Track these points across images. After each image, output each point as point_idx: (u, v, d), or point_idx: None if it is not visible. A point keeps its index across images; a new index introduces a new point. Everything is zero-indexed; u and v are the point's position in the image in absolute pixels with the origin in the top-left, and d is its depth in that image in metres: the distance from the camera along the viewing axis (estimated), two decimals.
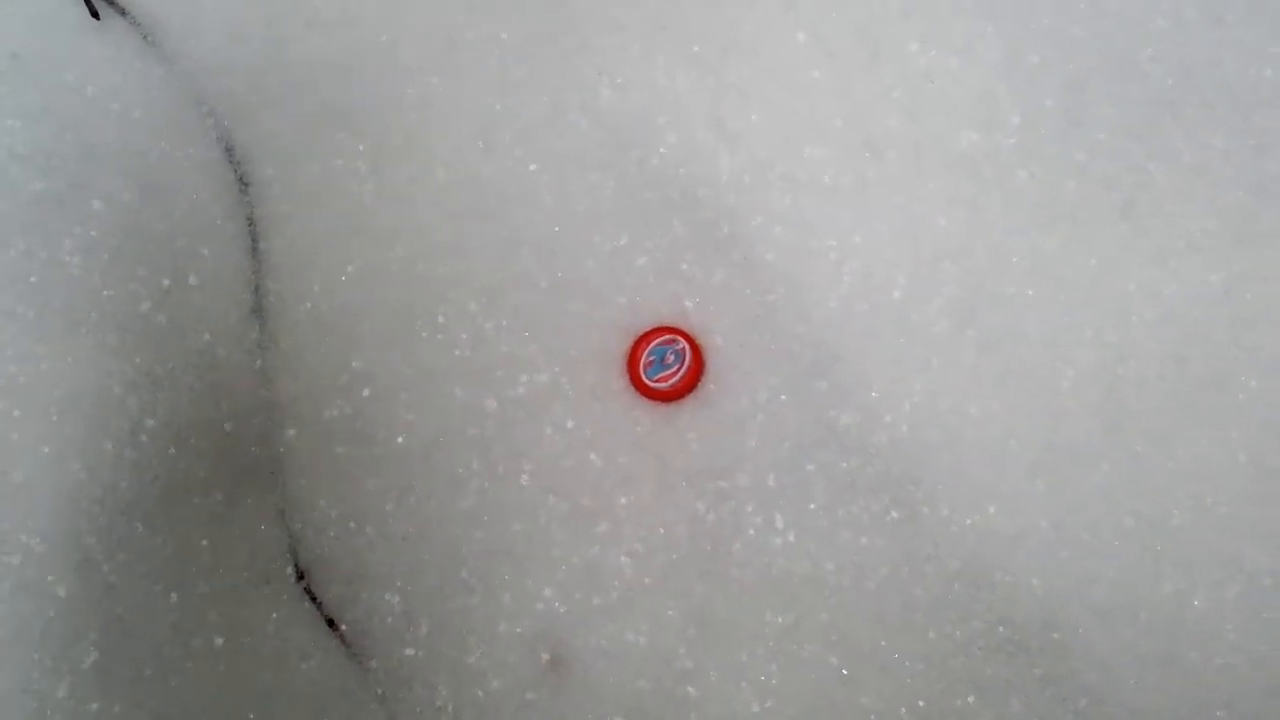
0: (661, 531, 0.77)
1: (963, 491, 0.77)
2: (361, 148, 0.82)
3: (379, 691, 0.75)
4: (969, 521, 0.77)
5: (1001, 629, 0.75)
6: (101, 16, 0.82)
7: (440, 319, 0.81)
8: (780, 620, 0.75)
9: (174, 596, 0.76)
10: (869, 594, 0.76)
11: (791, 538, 0.77)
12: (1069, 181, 0.81)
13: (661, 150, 0.83)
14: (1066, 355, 0.79)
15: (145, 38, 0.83)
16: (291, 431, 0.79)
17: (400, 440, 0.79)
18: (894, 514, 0.77)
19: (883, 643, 0.75)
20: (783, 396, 0.79)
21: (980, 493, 0.77)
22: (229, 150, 0.83)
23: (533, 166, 0.83)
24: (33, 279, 0.79)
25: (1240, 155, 0.81)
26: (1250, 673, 0.75)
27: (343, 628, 0.76)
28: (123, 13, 0.83)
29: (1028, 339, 0.79)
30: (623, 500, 0.78)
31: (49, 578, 0.76)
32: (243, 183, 0.82)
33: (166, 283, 0.81)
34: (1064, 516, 0.77)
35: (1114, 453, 0.77)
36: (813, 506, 0.77)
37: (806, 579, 0.76)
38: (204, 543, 0.77)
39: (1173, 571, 0.76)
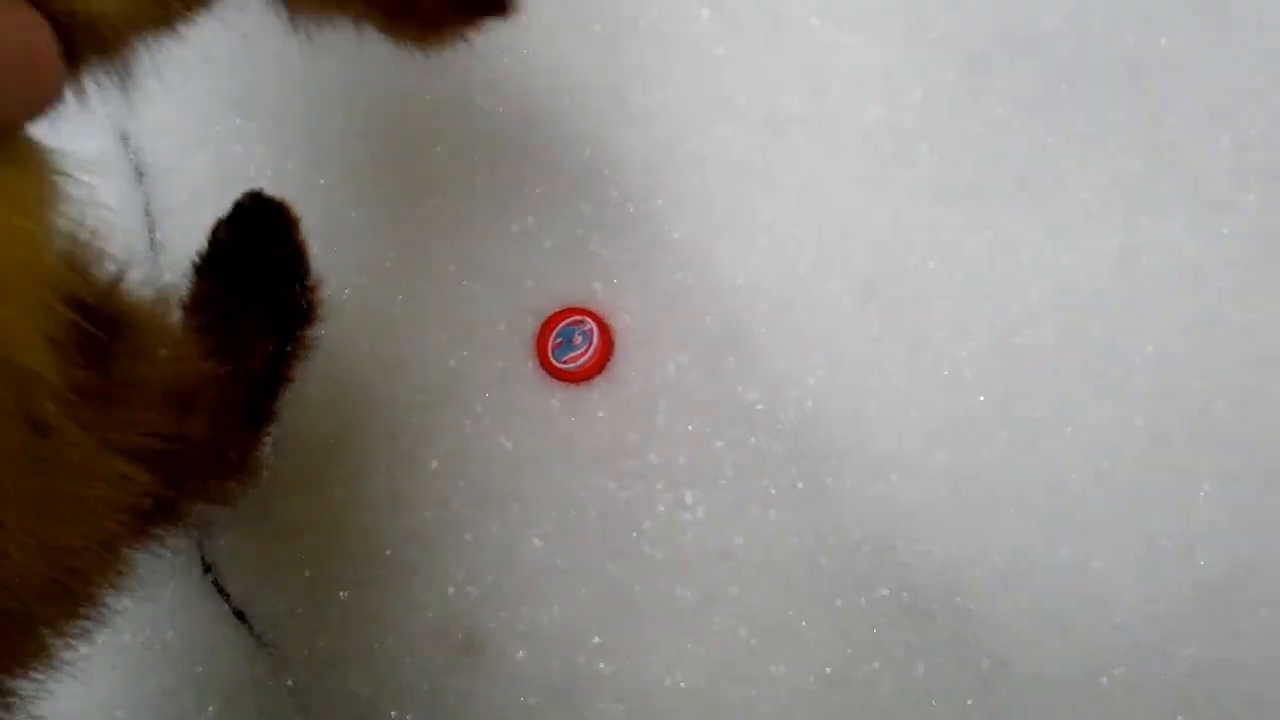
0: (573, 513, 0.78)
1: (866, 463, 0.79)
2: (258, 132, 0.80)
3: (291, 682, 0.75)
4: (872, 492, 0.78)
5: (905, 596, 0.77)
6: None
7: (346, 306, 0.80)
8: (691, 595, 0.77)
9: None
10: (777, 566, 0.77)
11: (701, 514, 0.78)
12: (968, 155, 0.82)
13: (566, 130, 0.82)
14: (966, 327, 0.80)
15: None
16: None
17: (306, 430, 0.78)
18: (800, 486, 0.78)
19: (790, 613, 0.76)
20: (692, 374, 0.80)
21: (883, 464, 0.79)
22: (124, 139, 0.81)
23: (437, 149, 0.82)
24: None
25: (1136, 125, 0.83)
26: (1146, 633, 0.78)
27: (252, 620, 0.76)
28: None
29: (929, 312, 0.80)
30: (534, 483, 0.78)
31: None
32: (139, 172, 0.81)
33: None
34: (964, 485, 0.79)
35: (1012, 421, 0.79)
36: (722, 482, 0.78)
37: (716, 554, 0.77)
38: None
39: (1071, 536, 0.78)
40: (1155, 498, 0.79)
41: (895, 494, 0.78)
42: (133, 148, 0.81)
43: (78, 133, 0.80)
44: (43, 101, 0.35)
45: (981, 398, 0.80)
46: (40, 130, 0.37)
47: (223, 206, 0.81)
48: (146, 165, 0.81)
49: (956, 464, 0.79)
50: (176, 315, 0.61)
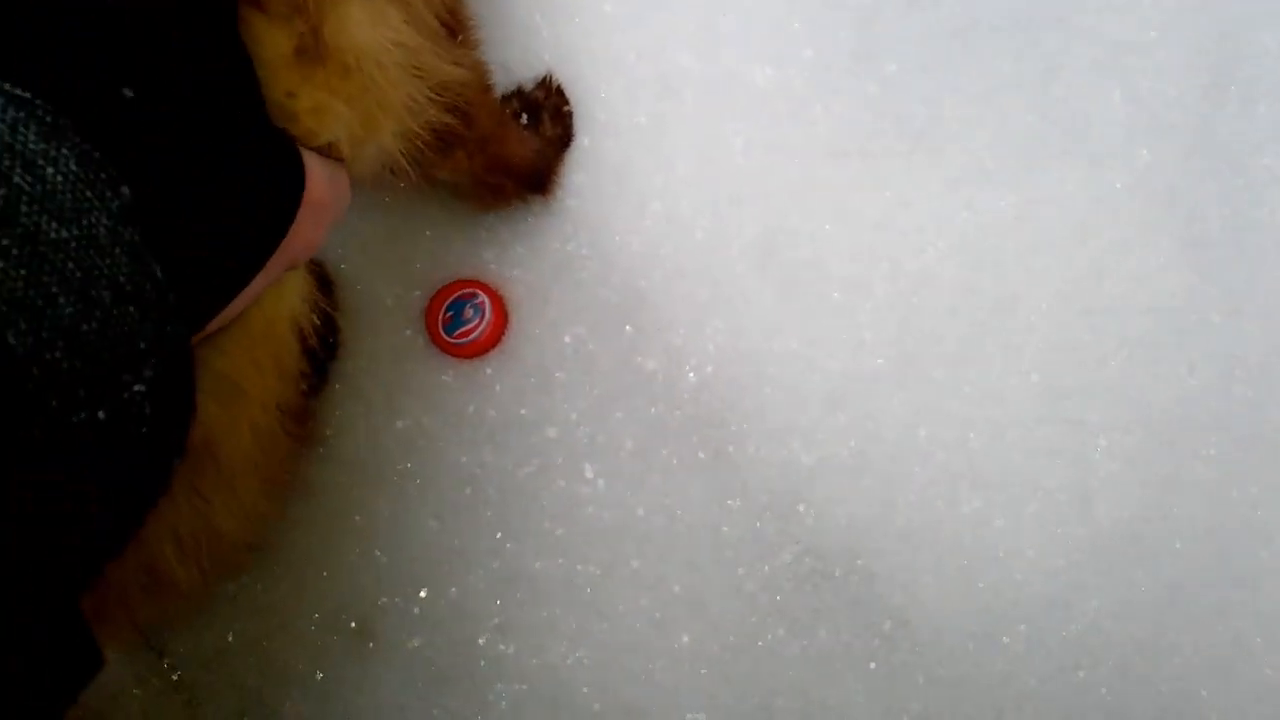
0: (469, 491, 0.76)
1: (767, 428, 0.78)
2: None
3: (176, 678, 0.72)
4: (774, 457, 0.77)
5: (808, 560, 0.77)
6: None
7: None
8: (592, 570, 0.75)
9: None
10: (679, 536, 0.76)
11: (601, 485, 0.76)
12: (862, 115, 0.81)
13: None
14: (864, 287, 0.80)
15: None
16: None
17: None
18: (701, 455, 0.77)
19: (694, 583, 0.75)
20: (589, 345, 0.78)
21: (783, 428, 0.78)
22: None
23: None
24: None
25: (1028, 80, 0.83)
26: (1046, 586, 0.79)
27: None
28: None
29: (826, 274, 0.80)
30: (428, 461, 0.76)
31: None
32: None
33: None
34: (865, 445, 0.78)
35: (911, 380, 0.79)
36: (622, 454, 0.77)
37: (617, 527, 0.76)
38: None
39: (971, 493, 0.79)
40: (1053, 452, 0.80)
41: (796, 458, 0.77)
42: None
43: None
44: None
45: (880, 359, 0.79)
46: None
47: None
48: None
49: (857, 426, 0.78)
50: None
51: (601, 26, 0.80)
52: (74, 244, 0.31)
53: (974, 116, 0.82)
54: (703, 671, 0.75)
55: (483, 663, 0.74)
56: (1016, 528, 0.79)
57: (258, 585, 0.73)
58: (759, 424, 0.78)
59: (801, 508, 0.77)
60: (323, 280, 0.74)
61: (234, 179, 0.40)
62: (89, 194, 0.32)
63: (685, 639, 0.75)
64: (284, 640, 0.73)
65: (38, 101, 0.31)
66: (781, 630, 0.75)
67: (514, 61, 0.80)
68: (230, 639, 0.73)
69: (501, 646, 0.74)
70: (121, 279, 0.33)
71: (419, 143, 0.52)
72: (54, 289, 0.30)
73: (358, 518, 0.74)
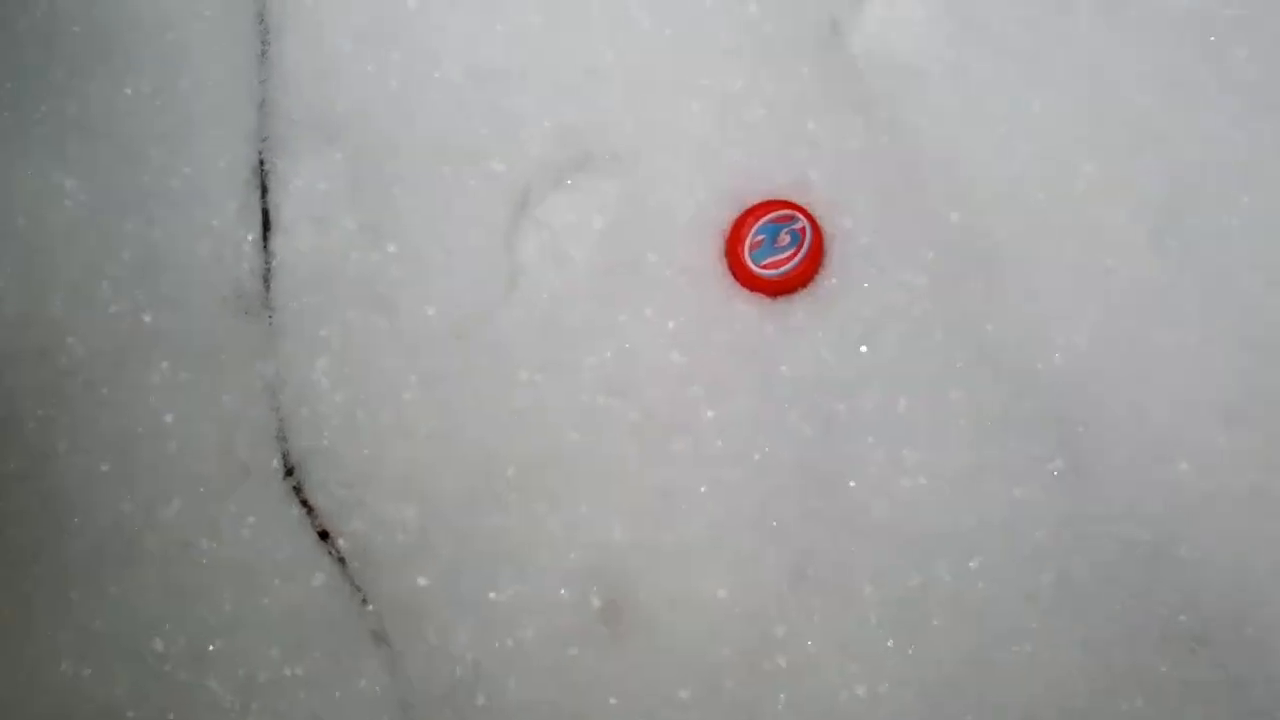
0: (757, 458, 0.60)
1: (1144, 441, 0.60)
2: None
3: (377, 629, 0.58)
4: (1150, 478, 0.60)
5: (1183, 618, 0.59)
6: None
7: (494, 164, 0.63)
8: (902, 583, 0.59)
9: (121, 484, 0.60)
10: (1018, 561, 0.59)
11: (923, 480, 0.60)
12: None
13: None
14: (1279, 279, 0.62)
15: None
16: (290, 283, 0.61)
17: (430, 311, 0.61)
18: (1058, 462, 0.60)
19: (1031, 625, 0.58)
20: (925, 300, 0.62)
21: (1167, 443, 0.60)
22: None
23: None
24: None
25: None
26: None
27: (339, 542, 0.59)
28: None
29: (1234, 255, 0.62)
30: (710, 413, 0.61)
31: None
32: None
33: (150, 85, 0.63)
34: (1268, 479, 0.60)
35: None
36: (953, 444, 0.60)
37: (939, 535, 0.59)
38: (167, 418, 0.60)
39: None
40: None
41: (1181, 484, 0.60)
42: None
43: None
44: None
45: None
46: None
47: (355, 22, 0.64)
48: None
49: (1261, 453, 0.60)
50: None
51: None
52: None
53: None
54: None
55: (751, 679, 0.58)
56: None
57: (487, 528, 0.59)
58: (1134, 431, 0.60)
59: (1182, 550, 0.59)
60: None
61: None
62: None
63: (1007, 693, 0.58)
64: (513, 604, 0.58)
65: None
66: (1140, 701, 0.57)
67: None
68: (448, 592, 0.58)
69: (780, 660, 0.58)
70: None
71: None
72: None
73: (619, 468, 0.60)
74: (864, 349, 0.61)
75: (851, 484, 0.60)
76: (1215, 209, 0.63)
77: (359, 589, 0.59)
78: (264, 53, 0.64)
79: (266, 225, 0.62)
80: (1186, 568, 0.59)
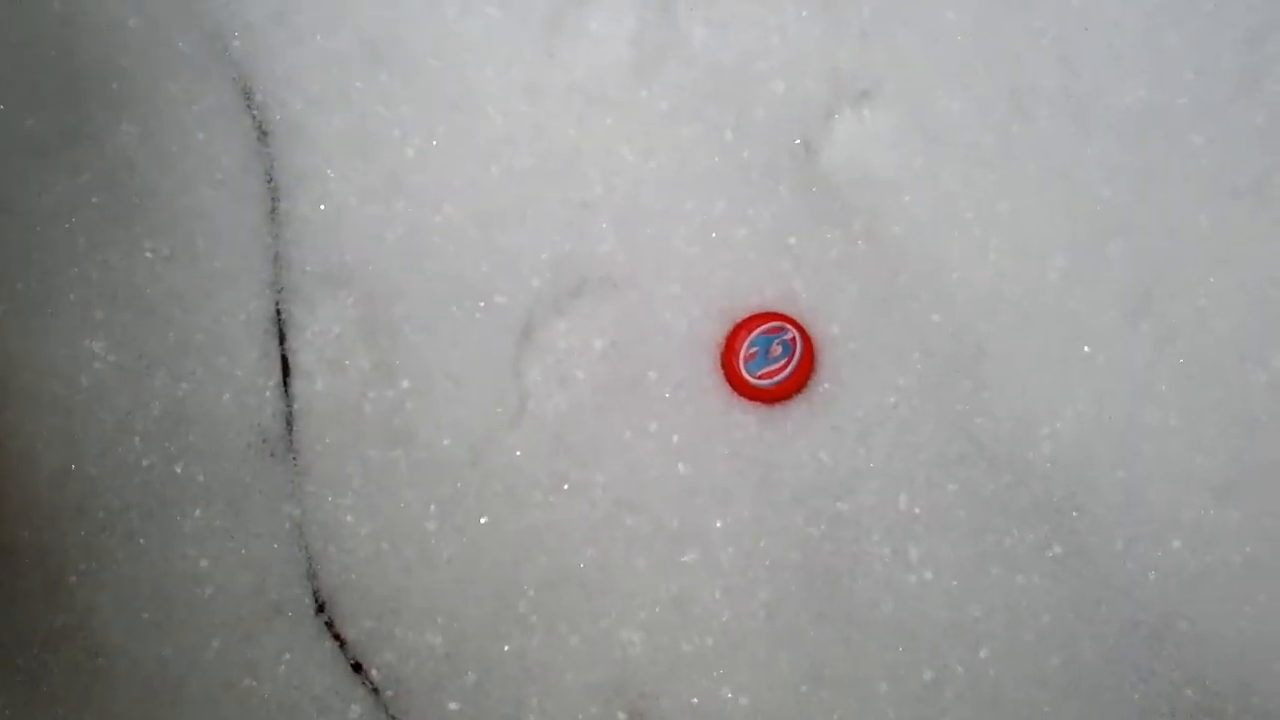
0: (766, 563, 0.63)
1: (1140, 520, 0.63)
2: (404, 91, 0.68)
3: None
4: (1147, 557, 0.62)
5: (1190, 692, 0.60)
6: None
7: (497, 298, 0.66)
8: (916, 678, 0.61)
9: (163, 630, 0.62)
10: (1025, 647, 0.61)
11: (929, 574, 0.62)
12: (1252, 150, 0.67)
13: (765, 102, 0.69)
14: (1259, 355, 0.65)
15: None
16: (311, 425, 0.65)
17: (446, 442, 0.64)
18: (1056, 548, 0.62)
19: (1045, 709, 0.60)
20: (915, 399, 0.65)
21: (1162, 522, 0.63)
22: (246, 93, 0.69)
23: (609, 119, 0.69)
24: (11, 236, 0.66)
25: None
26: None
27: (373, 673, 0.62)
28: None
29: (1211, 334, 0.65)
30: (718, 522, 0.64)
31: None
32: (262, 131, 0.68)
33: (168, 248, 0.67)
34: (1263, 550, 0.62)
35: None
36: (954, 537, 0.63)
37: (947, 626, 0.61)
38: (202, 563, 0.63)
39: None
40: None
41: (1177, 561, 0.62)
42: (256, 103, 0.69)
43: (194, 82, 0.69)
44: None
45: None
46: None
47: (359, 172, 0.69)
48: (271, 124, 0.69)
49: (1254, 524, 0.62)
50: None
51: (944, 33, 0.69)
52: None
53: None
54: None
55: None
56: None
57: (512, 650, 0.62)
58: (1129, 514, 0.63)
59: (1183, 625, 0.61)
60: None
61: None
62: None
63: None
64: (545, 716, 0.61)
65: None
66: None
67: (847, 64, 0.69)
68: (478, 714, 0.61)
69: None
70: None
71: None
72: None
73: (635, 583, 0.62)
74: (861, 450, 0.64)
75: (859, 582, 0.62)
76: (1186, 291, 0.66)
77: (394, 718, 0.61)
78: (274, 209, 0.68)
79: (286, 371, 0.66)
80: (1188, 642, 0.61)
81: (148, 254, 0.67)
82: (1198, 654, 0.61)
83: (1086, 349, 0.65)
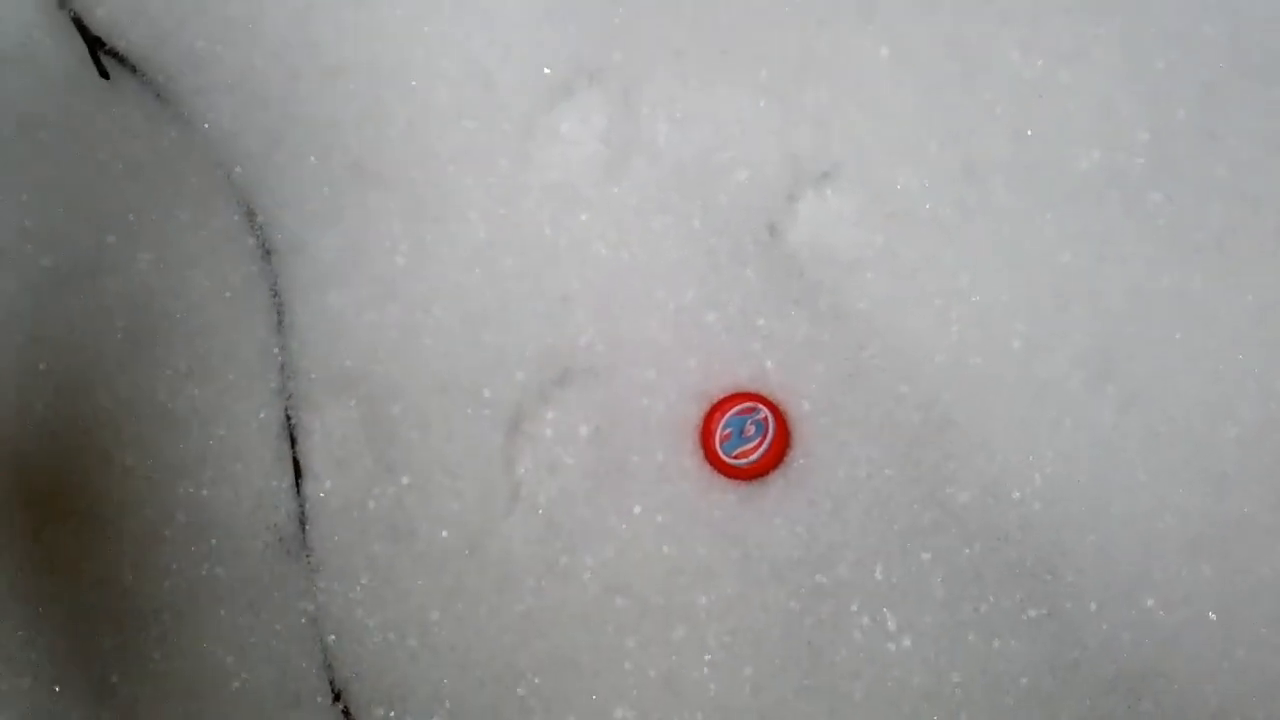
0: (751, 638, 0.66)
1: (1112, 581, 0.64)
2: (393, 205, 0.73)
3: None
4: (1121, 617, 0.64)
5: None
6: (111, 76, 0.75)
7: (486, 393, 0.71)
8: None
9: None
10: (1006, 710, 0.63)
11: (907, 642, 0.65)
12: (1212, 203, 0.69)
13: (729, 191, 0.72)
14: (1225, 408, 0.66)
15: (158, 97, 0.76)
16: (322, 523, 0.70)
17: (444, 535, 0.69)
18: (1031, 612, 0.64)
19: None
20: (887, 470, 0.67)
21: (1134, 581, 0.64)
22: (250, 215, 0.75)
23: (583, 216, 0.73)
24: (42, 366, 0.72)
25: None
26: None
27: None
28: (134, 71, 0.76)
29: (1176, 392, 0.66)
30: (703, 599, 0.67)
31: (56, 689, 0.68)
32: (265, 250, 0.74)
33: (186, 364, 0.73)
34: (1236, 605, 0.64)
35: None
36: (931, 603, 0.65)
37: (928, 693, 0.64)
38: (228, 659, 0.68)
39: None
40: None
41: (1150, 620, 0.63)
42: (259, 224, 0.75)
43: (201, 210, 0.75)
44: None
45: (1251, 496, 0.65)
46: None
47: (354, 283, 0.74)
48: (274, 243, 0.75)
49: (1225, 581, 0.64)
50: None
51: (895, 113, 0.72)
52: None
53: None
54: None
55: None
56: None
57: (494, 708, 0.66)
58: (1101, 575, 0.64)
59: (1159, 682, 0.63)
60: None
61: None
62: None
63: None
64: None
65: None
66: None
67: (803, 145, 0.72)
68: None
69: None
70: None
71: None
72: None
73: (628, 664, 0.66)
74: (837, 523, 0.67)
75: (840, 653, 0.65)
76: (1149, 350, 0.67)
77: None
78: (280, 322, 0.73)
79: (298, 473, 0.71)
80: (1167, 699, 0.63)
81: (168, 371, 0.73)
82: (1177, 710, 0.62)
83: (1052, 414, 0.67)
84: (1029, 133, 0.71)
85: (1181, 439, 0.66)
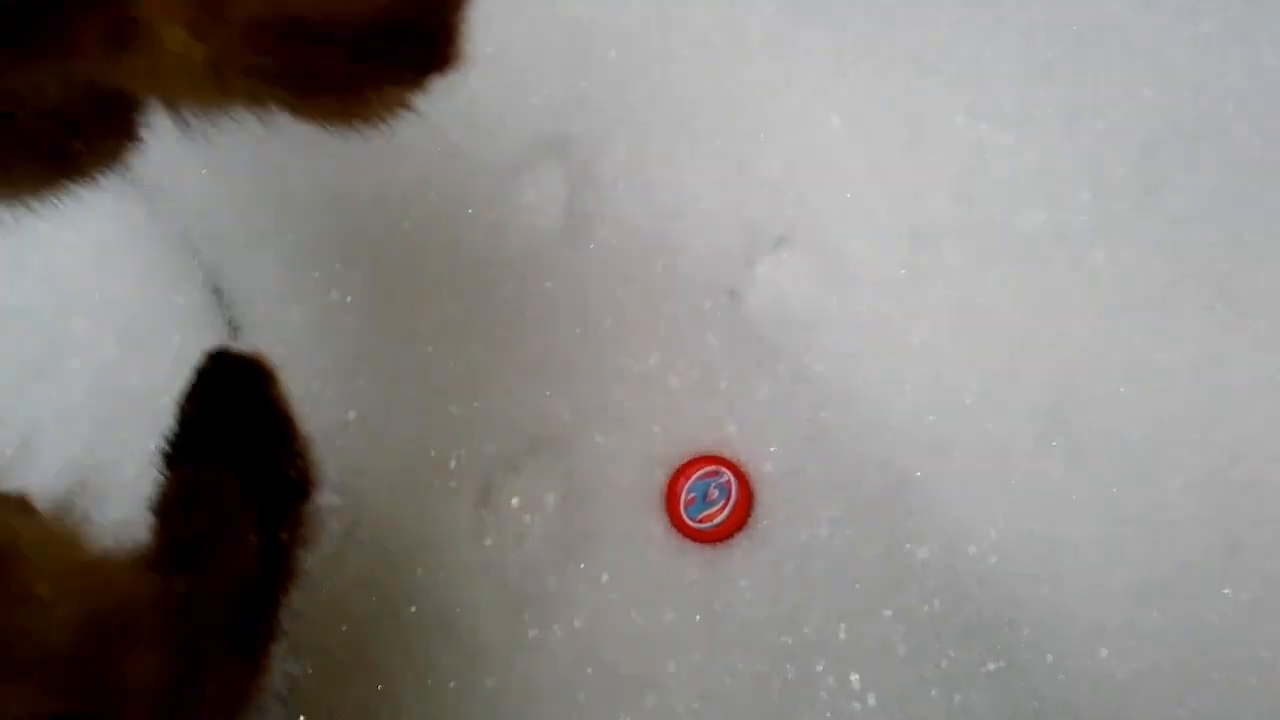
0: (720, 703, 0.67)
1: (1067, 632, 0.66)
2: (356, 279, 0.74)
3: None
4: (1078, 668, 0.65)
5: None
6: None
7: (452, 464, 0.72)
8: None
9: None
10: None
11: (872, 700, 0.66)
12: (1153, 260, 0.71)
13: (690, 257, 0.74)
14: (1173, 461, 0.68)
15: (124, 177, 0.77)
16: (290, 604, 0.70)
17: (413, 610, 0.70)
18: (991, 665, 0.66)
19: None
20: (848, 530, 0.69)
21: (1088, 632, 0.66)
22: (217, 293, 0.76)
23: (548, 284, 0.75)
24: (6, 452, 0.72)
25: None
26: None
27: None
28: None
29: (1126, 445, 0.69)
30: (671, 666, 0.68)
31: None
32: (233, 327, 0.75)
33: (153, 445, 0.73)
34: (1191, 654, 0.65)
35: (1243, 576, 0.66)
36: (894, 660, 0.66)
37: None
38: None
39: None
40: None
41: (1106, 670, 0.65)
42: (226, 302, 0.76)
43: (169, 287, 0.76)
44: None
45: (1200, 545, 0.67)
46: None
47: (322, 358, 0.75)
48: (241, 320, 0.75)
49: (1178, 628, 0.66)
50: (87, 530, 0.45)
51: (850, 178, 0.74)
52: None
53: None
54: None
55: None
56: None
57: None
58: (1057, 626, 0.66)
59: None
60: None
61: None
62: None
63: None
64: None
65: None
66: None
67: (759, 214, 0.74)
68: None
69: None
70: None
71: None
72: None
73: (601, 714, 0.67)
74: (800, 583, 0.68)
75: (806, 715, 0.66)
76: (1096, 405, 0.70)
77: None
78: None
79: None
80: None
81: (138, 454, 0.74)
82: None
83: (1004, 469, 0.69)
84: (974, 195, 0.74)
85: (1129, 490, 0.68)
